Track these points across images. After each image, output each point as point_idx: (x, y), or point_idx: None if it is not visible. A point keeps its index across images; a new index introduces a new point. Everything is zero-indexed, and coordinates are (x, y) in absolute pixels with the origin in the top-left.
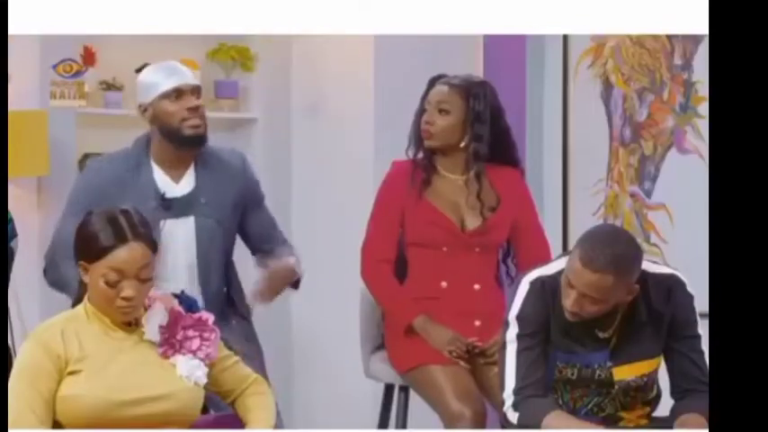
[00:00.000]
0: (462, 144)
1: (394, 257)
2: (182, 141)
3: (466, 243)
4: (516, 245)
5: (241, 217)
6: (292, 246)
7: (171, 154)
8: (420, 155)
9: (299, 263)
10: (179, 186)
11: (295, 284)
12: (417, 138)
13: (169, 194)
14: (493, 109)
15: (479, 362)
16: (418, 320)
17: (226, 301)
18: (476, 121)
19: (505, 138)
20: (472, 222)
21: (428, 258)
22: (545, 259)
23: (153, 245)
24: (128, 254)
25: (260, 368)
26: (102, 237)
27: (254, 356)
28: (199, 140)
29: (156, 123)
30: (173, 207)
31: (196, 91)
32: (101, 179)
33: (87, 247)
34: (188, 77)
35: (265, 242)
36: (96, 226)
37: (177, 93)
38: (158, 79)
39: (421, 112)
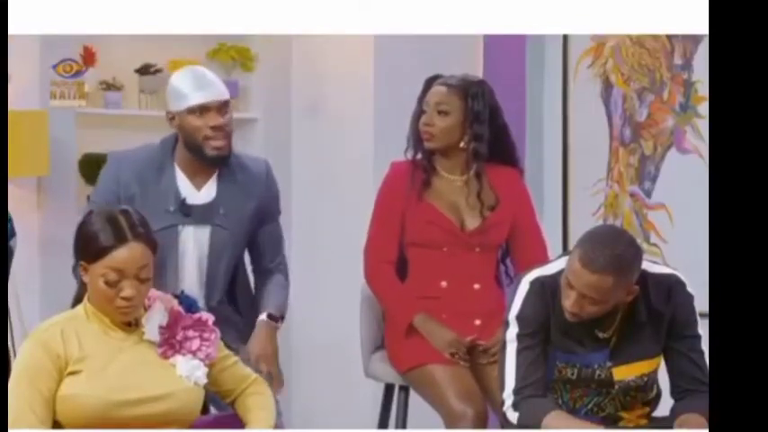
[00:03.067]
0: (462, 144)
1: (396, 258)
2: (203, 159)
3: (466, 243)
4: (513, 245)
5: (255, 227)
6: (287, 272)
7: (194, 163)
8: (419, 156)
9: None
10: (200, 194)
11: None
12: (416, 139)
13: (189, 201)
14: (491, 108)
15: (482, 361)
16: (418, 318)
17: (230, 309)
18: (475, 120)
19: (504, 137)
20: (472, 222)
21: (428, 258)
22: (542, 260)
23: (152, 245)
24: (127, 254)
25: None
26: (101, 237)
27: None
28: (220, 161)
29: (181, 133)
30: (192, 214)
31: (223, 107)
32: (124, 171)
33: (87, 247)
34: (217, 92)
35: (268, 260)
36: (96, 226)
37: (202, 109)
38: (187, 90)
39: (418, 113)
